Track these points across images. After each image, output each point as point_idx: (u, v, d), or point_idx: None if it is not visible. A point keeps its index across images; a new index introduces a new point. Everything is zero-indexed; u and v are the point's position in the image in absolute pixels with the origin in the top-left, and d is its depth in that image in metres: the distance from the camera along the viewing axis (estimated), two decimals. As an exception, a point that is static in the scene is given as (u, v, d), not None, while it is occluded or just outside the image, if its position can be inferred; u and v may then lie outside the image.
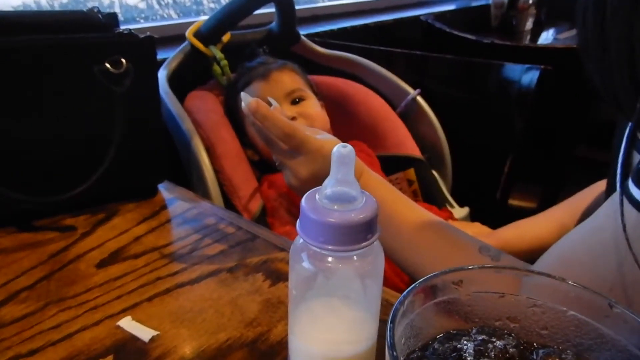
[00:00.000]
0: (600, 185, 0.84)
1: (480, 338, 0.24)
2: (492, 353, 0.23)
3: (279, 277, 0.58)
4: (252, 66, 0.97)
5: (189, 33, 1.00)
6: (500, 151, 1.11)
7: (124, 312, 0.52)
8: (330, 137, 0.60)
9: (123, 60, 0.63)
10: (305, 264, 0.36)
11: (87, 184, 0.62)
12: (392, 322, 0.23)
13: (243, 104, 0.57)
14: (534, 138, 1.20)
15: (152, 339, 0.48)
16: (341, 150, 0.34)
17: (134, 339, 0.49)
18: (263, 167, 0.95)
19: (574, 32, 2.30)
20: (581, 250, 0.45)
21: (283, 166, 0.61)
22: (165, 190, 0.76)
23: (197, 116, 0.90)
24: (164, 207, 0.72)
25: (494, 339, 0.24)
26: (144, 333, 0.49)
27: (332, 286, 0.37)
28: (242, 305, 0.54)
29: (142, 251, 0.62)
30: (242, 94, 0.58)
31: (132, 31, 0.64)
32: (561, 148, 1.48)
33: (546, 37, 2.30)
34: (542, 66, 1.04)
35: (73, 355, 0.46)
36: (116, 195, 0.71)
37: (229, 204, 0.84)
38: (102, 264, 0.59)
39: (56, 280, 0.57)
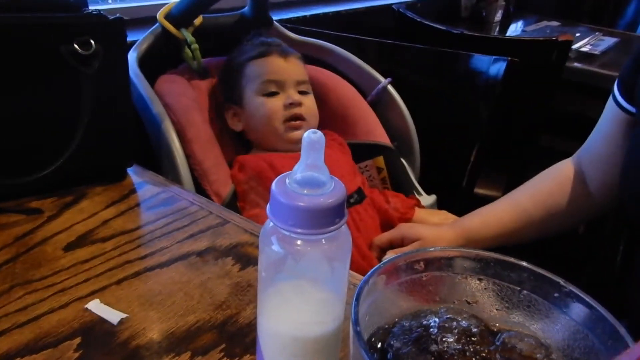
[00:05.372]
0: (558, 168, 0.87)
1: (446, 317, 0.25)
2: (456, 331, 0.24)
3: (248, 261, 0.59)
4: (269, 41, 1.00)
5: (160, 15, 0.99)
6: (467, 140, 1.14)
7: (92, 295, 0.52)
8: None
9: (92, 42, 0.62)
10: (275, 247, 0.37)
11: (54, 166, 0.61)
12: (357, 299, 0.24)
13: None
14: (499, 128, 1.23)
15: (121, 322, 0.49)
16: (311, 136, 0.35)
17: (102, 321, 0.49)
18: (242, 141, 0.96)
19: (541, 24, 2.35)
20: None
21: None
22: (135, 174, 0.75)
23: (168, 99, 0.89)
24: (133, 191, 0.72)
25: (459, 319, 0.25)
26: (113, 315, 0.49)
27: (301, 269, 0.38)
28: (212, 288, 0.54)
29: (111, 235, 0.62)
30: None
31: (102, 12, 0.63)
32: (526, 138, 1.52)
33: (515, 29, 2.34)
34: (509, 58, 1.06)
35: (40, 338, 0.46)
36: (84, 178, 0.70)
37: (199, 188, 0.84)
38: (70, 247, 0.59)
39: (22, 262, 0.56)
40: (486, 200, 0.90)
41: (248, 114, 0.96)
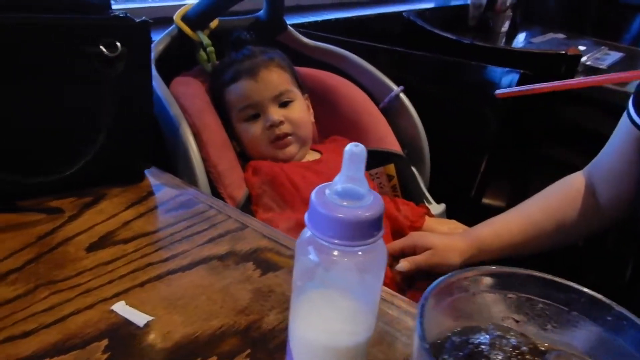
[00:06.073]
0: (569, 180, 0.88)
1: (496, 334, 0.26)
2: (507, 348, 0.25)
3: (268, 267, 0.59)
4: (239, 59, 0.97)
5: (177, 17, 0.99)
6: (477, 151, 1.15)
7: (116, 296, 0.52)
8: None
9: (118, 44, 0.63)
10: (312, 256, 0.37)
11: (77, 166, 0.62)
12: (422, 316, 0.24)
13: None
14: (508, 138, 1.24)
15: (147, 324, 0.49)
16: (353, 149, 0.35)
17: (127, 323, 0.49)
18: (245, 158, 0.96)
19: (547, 36, 2.37)
20: None
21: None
22: (152, 176, 0.76)
23: (183, 101, 0.90)
24: (151, 193, 0.72)
25: (508, 337, 0.26)
26: (139, 318, 0.49)
27: (335, 279, 0.38)
28: (234, 293, 0.55)
29: (132, 236, 0.62)
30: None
31: (128, 14, 0.64)
32: (531, 149, 1.53)
33: (521, 40, 2.35)
34: (522, 71, 1.07)
35: (67, 339, 0.47)
36: (103, 179, 0.71)
37: (214, 191, 0.84)
38: (92, 248, 0.59)
39: (45, 262, 0.56)
40: (492, 210, 0.91)
41: (239, 137, 0.96)
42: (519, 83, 1.08)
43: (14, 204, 0.64)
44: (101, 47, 0.62)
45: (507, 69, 1.09)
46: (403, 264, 0.84)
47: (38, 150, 0.64)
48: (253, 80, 0.92)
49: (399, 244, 0.90)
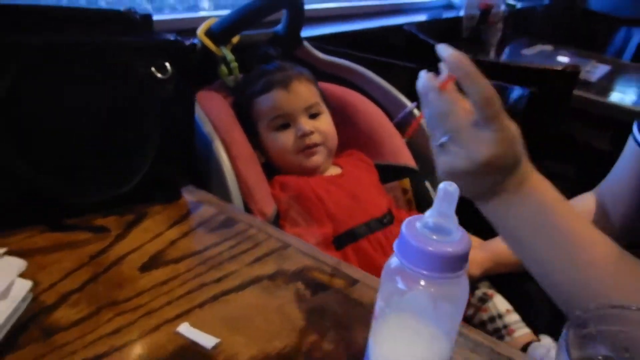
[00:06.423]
0: (581, 199, 0.92)
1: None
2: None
3: (317, 286, 0.61)
4: (270, 70, 0.99)
5: (200, 32, 1.00)
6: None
7: (178, 318, 0.54)
8: (508, 119, 0.53)
9: (168, 65, 0.64)
10: (399, 284, 0.40)
11: (131, 184, 0.63)
12: (568, 350, 0.27)
13: (443, 53, 0.53)
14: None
15: (214, 346, 0.50)
16: (448, 188, 0.38)
17: (194, 345, 0.51)
18: (268, 170, 0.97)
19: (536, 48, 2.43)
20: None
21: (453, 144, 0.54)
22: (187, 193, 0.77)
23: (211, 117, 0.91)
24: (190, 211, 0.73)
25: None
26: (206, 340, 0.51)
27: (420, 306, 0.41)
28: (290, 313, 0.57)
29: (181, 256, 0.64)
30: (440, 45, 0.54)
31: (178, 36, 0.65)
32: (533, 162, 1.57)
33: (511, 51, 2.41)
34: (531, 89, 1.11)
35: (141, 361, 0.48)
36: (144, 196, 0.72)
37: (245, 207, 0.85)
38: (145, 268, 0.61)
39: (103, 283, 0.57)
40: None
41: (265, 147, 0.98)
42: (529, 101, 1.12)
43: (61, 222, 0.65)
44: (152, 68, 0.63)
45: (516, 86, 1.13)
46: None
47: (86, 170, 0.65)
48: (285, 91, 0.95)
49: None
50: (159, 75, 0.64)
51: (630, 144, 0.83)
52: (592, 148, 2.02)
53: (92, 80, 0.62)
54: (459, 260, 0.38)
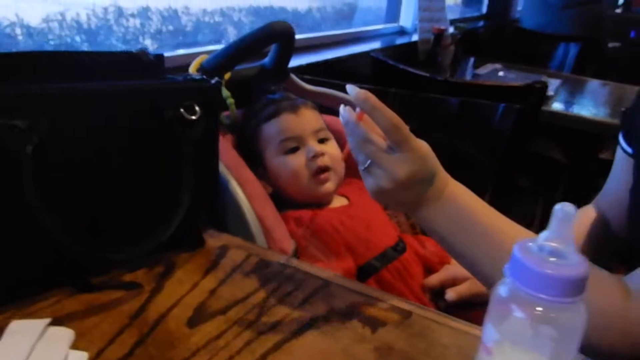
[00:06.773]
0: (581, 212, 0.94)
1: None
2: None
3: (375, 322, 0.59)
4: (277, 99, 0.98)
5: (192, 69, 0.97)
6: (478, 185, 1.20)
7: (246, 373, 0.50)
8: (418, 139, 0.61)
9: (196, 107, 0.61)
10: (516, 313, 0.38)
11: (167, 235, 0.59)
12: None
13: (351, 92, 0.60)
14: (506, 172, 1.31)
15: (296, 400, 0.47)
16: (565, 209, 0.37)
17: (273, 401, 0.47)
18: (275, 200, 0.94)
19: (488, 67, 2.53)
20: None
21: (375, 167, 0.60)
22: (210, 238, 0.73)
23: (221, 157, 0.87)
24: (219, 256, 0.70)
25: None
26: (286, 395, 0.47)
27: (536, 334, 0.39)
28: (357, 354, 0.54)
29: (226, 305, 0.60)
30: (349, 85, 0.61)
31: (204, 77, 0.62)
32: (506, 178, 1.62)
33: (465, 71, 2.50)
34: (519, 106, 1.14)
35: None
36: (169, 246, 0.67)
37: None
38: (193, 323, 0.56)
39: (153, 344, 0.53)
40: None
41: (273, 175, 0.95)
42: (516, 118, 1.15)
43: (89, 283, 0.60)
44: (181, 110, 0.60)
45: (502, 104, 1.16)
46: (451, 294, 0.86)
47: (127, 224, 0.60)
48: (294, 115, 0.94)
49: (437, 277, 0.92)
50: (187, 116, 0.60)
51: (618, 153, 0.86)
52: (553, 160, 2.10)
53: (121, 129, 0.58)
54: (580, 284, 0.37)
